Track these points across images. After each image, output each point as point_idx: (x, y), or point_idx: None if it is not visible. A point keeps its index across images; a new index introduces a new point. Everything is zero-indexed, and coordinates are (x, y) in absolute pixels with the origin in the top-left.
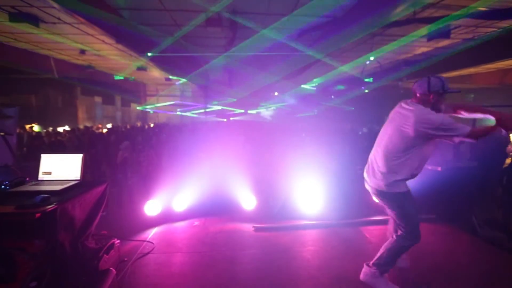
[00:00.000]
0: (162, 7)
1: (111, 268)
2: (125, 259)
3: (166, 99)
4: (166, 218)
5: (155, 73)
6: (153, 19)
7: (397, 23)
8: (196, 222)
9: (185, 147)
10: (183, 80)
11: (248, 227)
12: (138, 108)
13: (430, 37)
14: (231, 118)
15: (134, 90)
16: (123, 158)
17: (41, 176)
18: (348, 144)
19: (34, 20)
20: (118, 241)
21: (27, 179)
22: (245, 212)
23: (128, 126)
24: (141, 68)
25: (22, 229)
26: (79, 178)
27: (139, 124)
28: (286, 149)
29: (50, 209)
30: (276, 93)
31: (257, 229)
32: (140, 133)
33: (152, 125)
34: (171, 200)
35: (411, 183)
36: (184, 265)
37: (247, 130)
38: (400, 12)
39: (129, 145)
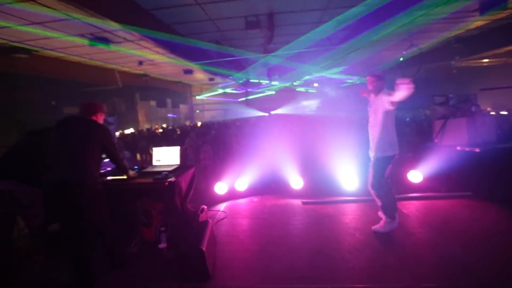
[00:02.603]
0: (207, 17)
1: (209, 220)
2: (210, 220)
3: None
4: (231, 195)
5: (200, 75)
6: (200, 29)
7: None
8: (255, 199)
9: (236, 140)
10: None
11: (297, 202)
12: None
13: (483, 11)
14: (272, 112)
15: (182, 92)
16: (186, 153)
17: (155, 162)
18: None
19: (106, 42)
20: (206, 207)
21: (144, 165)
22: (294, 190)
23: (188, 123)
24: (187, 72)
25: (151, 195)
26: (178, 163)
27: (188, 123)
28: (328, 138)
29: (173, 180)
30: (316, 84)
31: (304, 203)
32: (193, 130)
33: (199, 123)
34: (234, 182)
35: (447, 163)
36: (251, 225)
37: (289, 123)
38: None
39: (190, 141)
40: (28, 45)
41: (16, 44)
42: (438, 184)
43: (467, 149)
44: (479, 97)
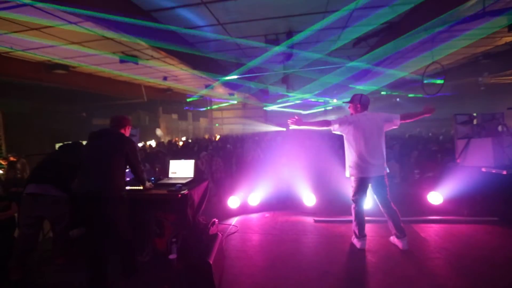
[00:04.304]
0: (229, 36)
1: (219, 233)
2: (221, 234)
3: (230, 112)
4: (244, 210)
5: (220, 89)
6: (221, 47)
7: (464, 20)
8: (267, 214)
9: (251, 155)
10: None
11: (309, 219)
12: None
13: None
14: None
15: (202, 106)
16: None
17: (170, 175)
18: (417, 149)
19: (135, 59)
20: (217, 220)
21: (161, 176)
22: (307, 207)
23: (207, 137)
24: (208, 87)
25: (164, 206)
26: (192, 176)
27: (207, 136)
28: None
29: (186, 193)
30: (335, 100)
31: (316, 221)
32: (211, 143)
33: (218, 137)
34: (246, 197)
35: (470, 185)
36: (261, 241)
37: (306, 138)
38: (465, 9)
39: (206, 155)
40: (67, 61)
41: (56, 60)
42: (460, 207)
43: (493, 171)
44: (507, 116)
